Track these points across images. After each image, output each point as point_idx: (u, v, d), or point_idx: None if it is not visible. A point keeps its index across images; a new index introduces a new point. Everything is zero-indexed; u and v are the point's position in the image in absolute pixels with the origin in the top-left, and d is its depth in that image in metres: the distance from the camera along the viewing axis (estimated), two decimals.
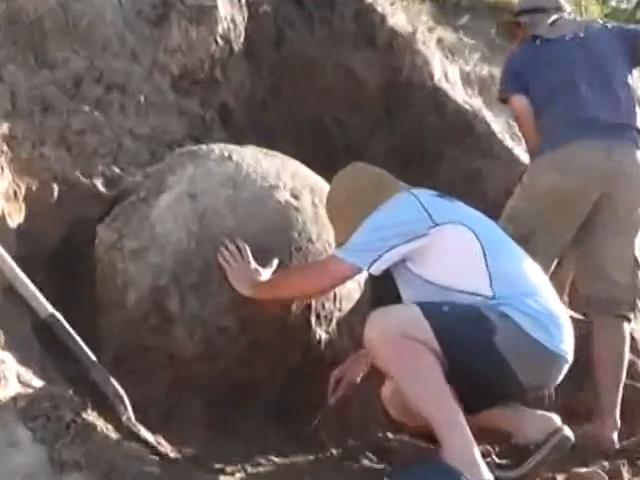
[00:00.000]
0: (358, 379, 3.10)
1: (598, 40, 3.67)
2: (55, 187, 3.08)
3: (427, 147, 3.91)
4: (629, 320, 3.51)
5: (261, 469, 2.78)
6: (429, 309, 2.64)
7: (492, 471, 2.66)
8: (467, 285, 2.70)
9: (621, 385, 3.43)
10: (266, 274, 2.91)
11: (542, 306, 2.70)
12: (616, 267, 3.48)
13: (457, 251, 2.74)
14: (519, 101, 3.64)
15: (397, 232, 2.73)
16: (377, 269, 2.75)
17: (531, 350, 2.65)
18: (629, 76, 3.66)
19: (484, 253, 2.73)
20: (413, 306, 2.66)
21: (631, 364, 3.62)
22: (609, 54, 3.64)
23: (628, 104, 3.59)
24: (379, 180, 2.96)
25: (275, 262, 2.93)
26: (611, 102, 3.56)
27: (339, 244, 2.90)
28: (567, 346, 2.74)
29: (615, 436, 3.37)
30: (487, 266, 2.71)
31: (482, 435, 2.73)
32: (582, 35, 3.68)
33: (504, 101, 3.79)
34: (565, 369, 2.77)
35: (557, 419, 2.89)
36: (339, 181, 3.00)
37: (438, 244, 2.72)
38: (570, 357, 2.76)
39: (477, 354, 2.62)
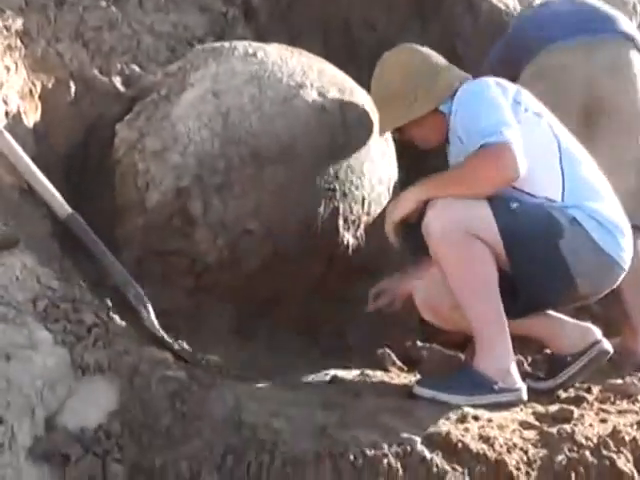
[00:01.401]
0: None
1: None
2: (72, 85, 3.00)
3: (460, 48, 3.76)
4: None
5: (286, 377, 2.72)
6: (498, 205, 2.52)
7: (525, 381, 2.61)
8: (538, 188, 2.58)
9: None
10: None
11: (609, 213, 2.63)
12: (620, 175, 3.10)
13: (536, 147, 2.59)
14: None
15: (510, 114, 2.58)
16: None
17: (595, 257, 2.58)
18: None
19: (560, 152, 2.63)
20: (482, 200, 2.53)
21: None
22: None
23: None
24: (438, 61, 2.85)
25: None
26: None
27: (390, 126, 2.83)
28: (627, 255, 2.67)
29: None
30: (562, 167, 2.61)
31: (517, 343, 2.66)
32: None
33: None
34: (621, 278, 2.70)
35: (597, 331, 2.81)
36: (395, 60, 2.84)
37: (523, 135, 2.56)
38: (627, 266, 2.68)
39: (540, 257, 2.55)
